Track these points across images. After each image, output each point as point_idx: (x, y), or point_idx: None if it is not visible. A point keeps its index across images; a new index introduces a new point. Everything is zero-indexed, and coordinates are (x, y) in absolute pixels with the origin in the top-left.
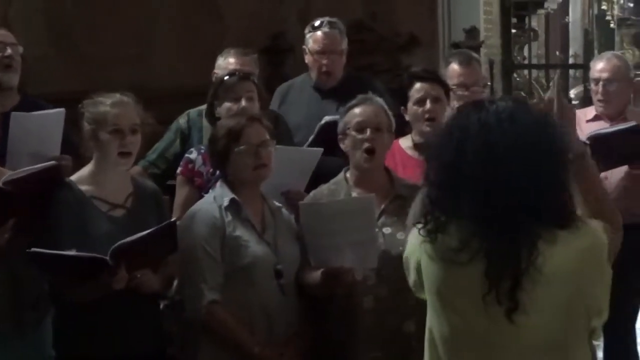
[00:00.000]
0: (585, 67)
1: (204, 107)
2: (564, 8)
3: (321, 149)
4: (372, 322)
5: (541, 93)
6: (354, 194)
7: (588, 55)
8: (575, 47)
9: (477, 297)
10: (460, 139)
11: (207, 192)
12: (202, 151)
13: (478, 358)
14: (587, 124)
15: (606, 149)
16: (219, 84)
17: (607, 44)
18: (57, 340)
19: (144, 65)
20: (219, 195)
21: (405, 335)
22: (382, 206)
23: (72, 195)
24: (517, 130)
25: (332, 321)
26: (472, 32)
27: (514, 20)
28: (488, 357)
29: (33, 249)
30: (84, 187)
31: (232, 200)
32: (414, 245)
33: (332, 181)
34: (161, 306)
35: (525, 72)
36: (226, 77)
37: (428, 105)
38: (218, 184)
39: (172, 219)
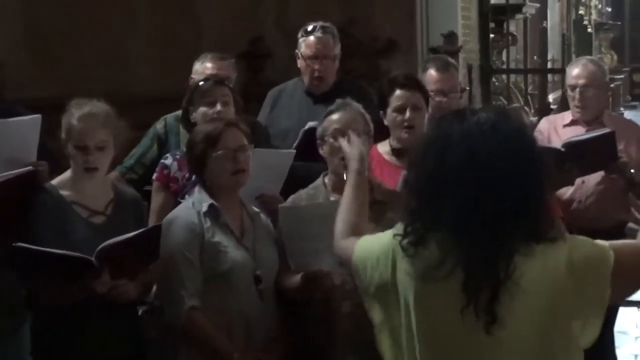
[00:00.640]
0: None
1: (180, 112)
2: (542, 13)
3: (294, 151)
4: (351, 327)
5: (519, 97)
6: (333, 199)
7: (566, 59)
8: (553, 52)
9: (454, 310)
10: (442, 147)
11: (183, 198)
12: (178, 157)
13: None
14: (564, 129)
15: (581, 156)
16: (194, 89)
17: (585, 49)
18: (35, 347)
19: (121, 70)
20: (197, 201)
21: None
22: None
23: (50, 199)
24: (498, 139)
25: (310, 326)
26: (451, 37)
27: (492, 25)
28: None
29: (19, 244)
30: (64, 192)
31: (210, 206)
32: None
33: (310, 186)
34: (140, 312)
35: (504, 76)
36: (201, 82)
37: (408, 114)
38: (196, 189)
39: (157, 224)
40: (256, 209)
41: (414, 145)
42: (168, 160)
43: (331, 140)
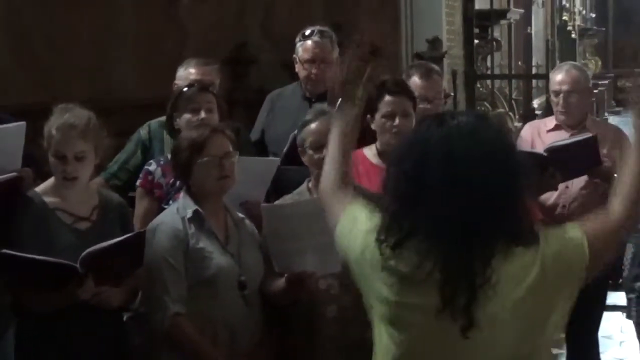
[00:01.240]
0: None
1: (164, 118)
2: (526, 18)
3: (278, 159)
4: (336, 331)
5: (504, 103)
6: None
7: (550, 65)
8: (537, 57)
9: (431, 314)
10: (421, 150)
11: (167, 204)
12: (162, 163)
13: None
14: (548, 134)
15: (564, 160)
16: (177, 95)
17: (569, 54)
18: (19, 354)
19: (104, 76)
20: (181, 207)
21: (369, 344)
22: None
23: (34, 207)
24: (477, 144)
25: (296, 331)
26: (435, 42)
27: (476, 30)
28: None
29: (4, 251)
30: (48, 199)
31: (195, 212)
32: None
33: (295, 191)
34: (125, 318)
35: (488, 82)
36: (185, 89)
37: (397, 120)
38: (181, 195)
39: (140, 230)
40: (241, 215)
41: (394, 147)
42: (152, 166)
43: (310, 152)
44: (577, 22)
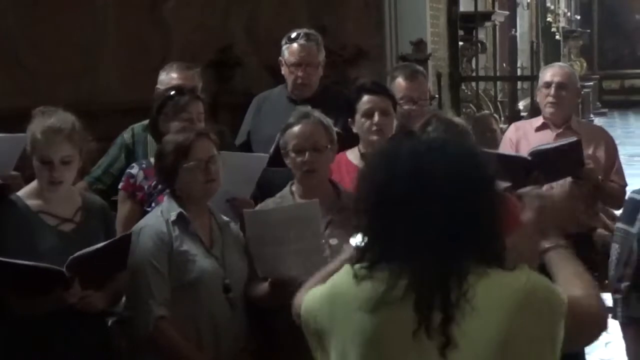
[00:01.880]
0: (532, 78)
1: (148, 121)
2: (511, 20)
3: (267, 155)
4: None
5: (489, 105)
6: (299, 202)
7: (535, 67)
8: (522, 59)
9: (407, 335)
10: (390, 165)
11: (149, 207)
12: (144, 166)
13: None
14: (536, 133)
15: (548, 163)
16: (166, 100)
17: (554, 56)
18: (4, 357)
19: (89, 80)
20: (166, 210)
21: None
22: (329, 218)
23: (16, 210)
24: (446, 160)
25: (280, 335)
26: (420, 44)
27: (461, 32)
28: None
29: None
30: (31, 202)
31: (179, 215)
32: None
33: (278, 195)
34: (109, 322)
35: (473, 84)
36: (173, 93)
37: (376, 118)
38: (165, 197)
39: (127, 232)
40: (226, 218)
41: (365, 161)
42: (134, 169)
43: (292, 154)
44: (562, 24)
